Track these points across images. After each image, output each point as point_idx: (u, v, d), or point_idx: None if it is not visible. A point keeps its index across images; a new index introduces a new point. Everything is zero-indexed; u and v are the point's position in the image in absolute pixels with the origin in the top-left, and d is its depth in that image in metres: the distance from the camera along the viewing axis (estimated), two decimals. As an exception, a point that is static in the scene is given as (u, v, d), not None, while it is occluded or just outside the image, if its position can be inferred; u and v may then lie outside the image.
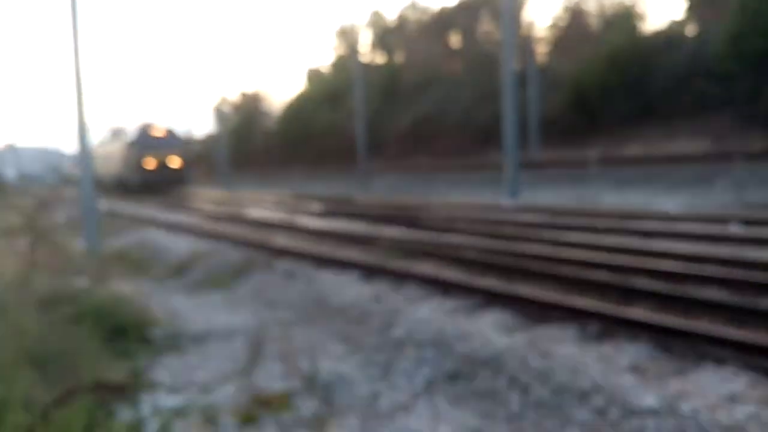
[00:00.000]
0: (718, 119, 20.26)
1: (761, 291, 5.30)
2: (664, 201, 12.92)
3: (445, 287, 6.41)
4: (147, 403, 4.24)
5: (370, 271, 7.51)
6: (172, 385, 4.68)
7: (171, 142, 31.52)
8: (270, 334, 5.73)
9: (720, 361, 4.05)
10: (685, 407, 3.47)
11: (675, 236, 8.29)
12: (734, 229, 8.43)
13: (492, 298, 5.84)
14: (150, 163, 30.50)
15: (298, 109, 45.46)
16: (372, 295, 6.50)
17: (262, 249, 9.94)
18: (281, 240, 10.99)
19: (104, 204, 21.07)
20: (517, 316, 5.36)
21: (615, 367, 4.11)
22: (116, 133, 35.69)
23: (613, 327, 4.77)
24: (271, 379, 4.68)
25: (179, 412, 4.13)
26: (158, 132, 31.29)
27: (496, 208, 14.20)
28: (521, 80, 21.21)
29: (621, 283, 5.81)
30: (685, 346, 4.32)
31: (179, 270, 9.62)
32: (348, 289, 6.89)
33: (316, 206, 17.96)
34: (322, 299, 6.71)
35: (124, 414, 4.04)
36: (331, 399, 4.32)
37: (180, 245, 11.61)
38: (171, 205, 23.93)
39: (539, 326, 5.07)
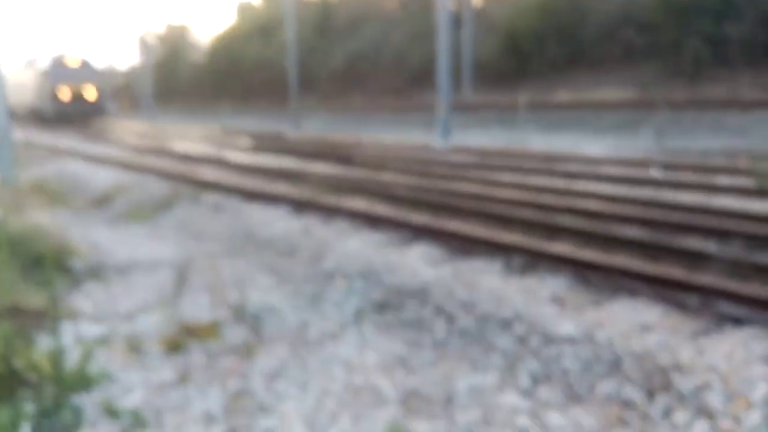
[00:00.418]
0: (645, 68, 20.85)
1: (676, 230, 5.59)
2: (589, 145, 13.32)
3: (375, 222, 6.44)
4: (68, 332, 4.11)
5: (299, 206, 7.45)
6: (94, 314, 4.55)
7: (86, 72, 30.23)
8: (197, 266, 5.63)
9: (635, 294, 4.27)
10: (601, 335, 3.66)
11: (598, 178, 8.59)
12: (654, 173, 8.81)
13: (421, 233, 5.93)
14: (64, 94, 29.28)
15: (227, 42, 43.67)
16: (301, 228, 6.47)
17: (189, 182, 9.67)
18: (208, 173, 10.71)
19: (20, 134, 19.85)
20: (445, 251, 5.46)
21: (536, 298, 4.27)
22: (30, 64, 33.75)
23: (536, 261, 4.94)
24: (198, 309, 4.62)
25: (102, 341, 4.03)
26: (73, 62, 29.86)
27: (428, 148, 14.28)
28: (456, 22, 21.05)
29: (545, 221, 6.00)
30: (603, 280, 4.53)
31: (101, 202, 9.26)
32: (277, 222, 6.83)
33: (245, 142, 17.54)
34: (251, 232, 6.62)
35: (44, 342, 3.91)
36: (259, 328, 4.31)
37: (102, 177, 11.15)
38: (92, 137, 22.84)
39: (466, 260, 5.19)
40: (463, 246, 5.50)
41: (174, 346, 3.97)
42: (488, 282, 4.60)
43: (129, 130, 27.86)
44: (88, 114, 30.30)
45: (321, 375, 3.65)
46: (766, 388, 2.93)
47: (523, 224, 6.08)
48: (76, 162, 13.82)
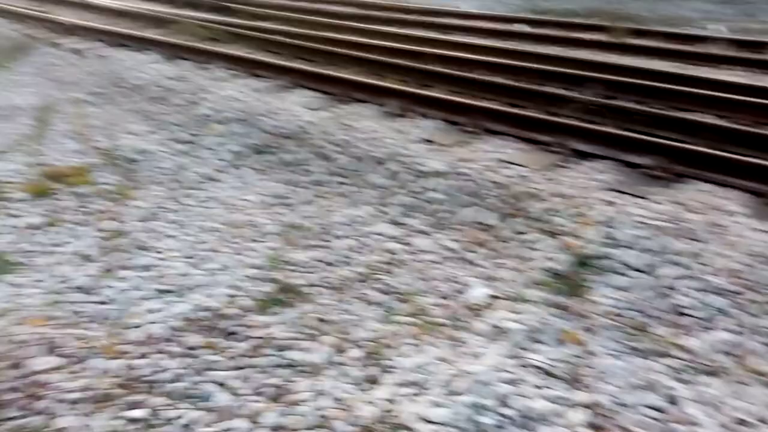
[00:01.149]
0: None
1: (538, 78, 5.71)
2: (464, 2, 13.11)
3: (253, 68, 6.08)
4: None
5: (172, 51, 6.85)
6: (-55, 161, 4.07)
7: None
8: (61, 112, 5.11)
9: (498, 134, 4.39)
10: (465, 170, 3.77)
11: (470, 31, 8.53)
12: (521, 28, 8.86)
13: (300, 79, 5.68)
14: None
15: None
16: (175, 74, 5.99)
17: (45, 25, 8.54)
18: (68, 16, 9.49)
19: None
20: (323, 96, 5.29)
21: (409, 139, 4.29)
22: None
23: (410, 105, 4.91)
24: (65, 154, 4.26)
25: (-43, 188, 3.64)
26: None
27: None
28: None
29: (420, 69, 5.92)
30: (470, 122, 4.60)
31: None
32: (148, 68, 6.26)
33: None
34: (120, 79, 6.04)
35: None
36: (134, 173, 4.06)
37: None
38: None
39: (344, 105, 5.07)
40: (341, 92, 5.34)
41: (40, 191, 3.66)
42: (364, 125, 4.54)
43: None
44: None
45: (200, 215, 3.54)
46: (605, 208, 3.18)
47: (400, 71, 5.97)
48: None
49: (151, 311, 2.61)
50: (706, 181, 3.45)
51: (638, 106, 4.71)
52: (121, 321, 2.54)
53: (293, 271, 2.91)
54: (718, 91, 4.85)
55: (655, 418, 2.02)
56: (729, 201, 3.19)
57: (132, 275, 2.88)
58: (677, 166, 3.60)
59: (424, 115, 4.75)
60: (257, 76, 5.93)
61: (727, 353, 2.27)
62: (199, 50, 6.73)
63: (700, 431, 1.96)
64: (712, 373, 2.20)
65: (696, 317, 2.43)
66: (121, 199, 3.66)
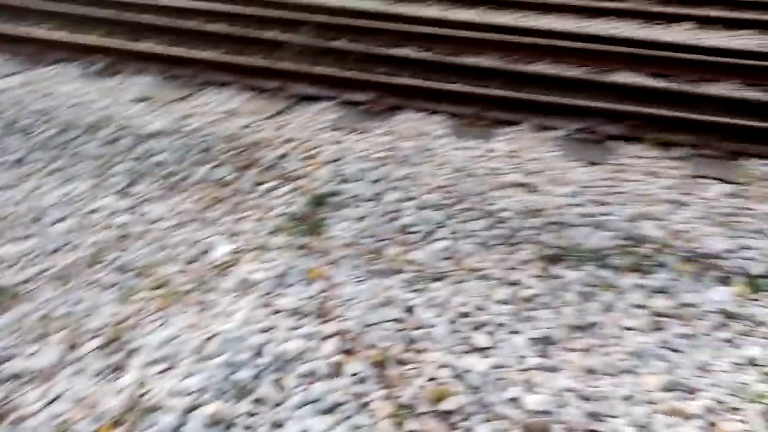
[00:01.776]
0: None
1: (255, 22, 5.57)
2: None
3: None
4: None
5: None
6: None
7: None
8: None
9: (223, 85, 4.23)
10: (192, 125, 3.58)
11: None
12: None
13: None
14: None
15: None
16: None
17: None
18: None
19: None
20: (11, 58, 4.54)
21: (123, 100, 3.92)
22: None
23: (120, 62, 4.47)
24: None
25: None
26: None
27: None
28: None
29: (128, 20, 5.39)
30: (190, 74, 4.35)
31: None
32: None
33: None
34: None
35: None
36: None
37: None
38: None
39: (38, 68, 4.41)
40: (35, 52, 4.63)
41: None
42: (69, 89, 4.03)
43: None
44: None
45: None
46: (332, 147, 3.29)
47: (104, 24, 5.36)
48: None
49: None
50: (416, 110, 3.77)
51: (352, 46, 4.91)
52: None
53: (1, 270, 2.51)
54: (421, 26, 5.26)
55: (395, 329, 2.21)
56: (435, 125, 3.54)
57: None
58: (390, 99, 3.86)
59: (139, 71, 4.36)
60: None
61: (447, 258, 2.55)
62: None
63: (433, 330, 2.19)
64: (437, 278, 2.46)
65: (419, 232, 2.68)
66: None
